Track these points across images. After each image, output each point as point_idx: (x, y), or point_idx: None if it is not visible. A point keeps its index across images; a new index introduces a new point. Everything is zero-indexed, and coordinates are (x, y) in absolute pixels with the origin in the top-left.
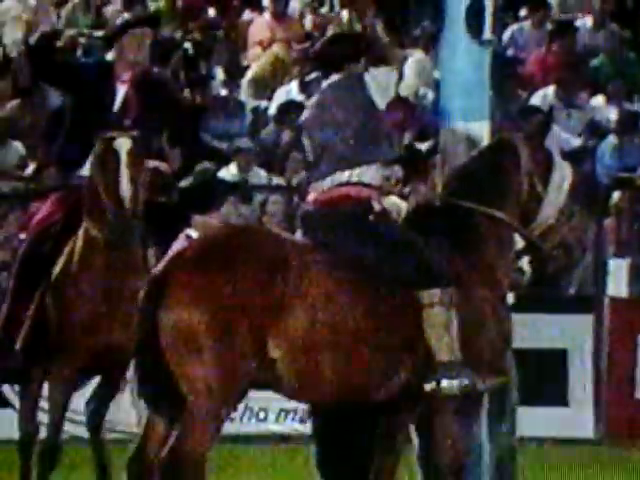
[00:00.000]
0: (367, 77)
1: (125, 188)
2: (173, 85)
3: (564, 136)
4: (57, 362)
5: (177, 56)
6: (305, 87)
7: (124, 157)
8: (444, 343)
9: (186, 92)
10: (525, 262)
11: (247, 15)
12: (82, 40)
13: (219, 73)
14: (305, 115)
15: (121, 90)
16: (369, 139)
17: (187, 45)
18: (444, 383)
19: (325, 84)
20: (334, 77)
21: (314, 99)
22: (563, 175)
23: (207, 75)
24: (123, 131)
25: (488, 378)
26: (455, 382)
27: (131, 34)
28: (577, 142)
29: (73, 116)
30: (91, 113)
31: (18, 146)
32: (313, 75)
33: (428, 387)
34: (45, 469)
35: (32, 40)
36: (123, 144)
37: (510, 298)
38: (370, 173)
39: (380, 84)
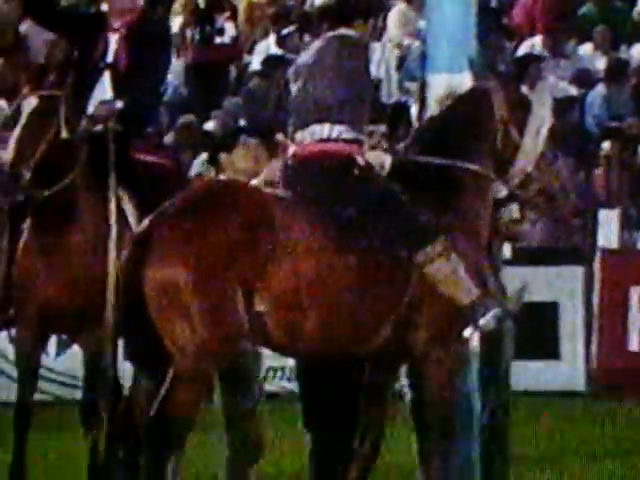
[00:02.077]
0: (372, 47)
1: (9, 150)
2: (165, 34)
3: (561, 85)
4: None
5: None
6: (283, 41)
7: (22, 119)
8: (460, 289)
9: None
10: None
11: None
12: None
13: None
14: (301, 58)
15: (112, 40)
16: (355, 102)
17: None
18: (481, 322)
19: (331, 34)
20: (342, 30)
21: (315, 44)
22: (541, 121)
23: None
24: (40, 89)
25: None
26: (489, 316)
27: None
28: (575, 91)
29: (76, 68)
30: (88, 65)
31: (3, 105)
32: (288, 30)
33: (468, 333)
34: (21, 430)
35: None
36: (27, 105)
37: (507, 251)
38: (352, 132)
39: (378, 59)
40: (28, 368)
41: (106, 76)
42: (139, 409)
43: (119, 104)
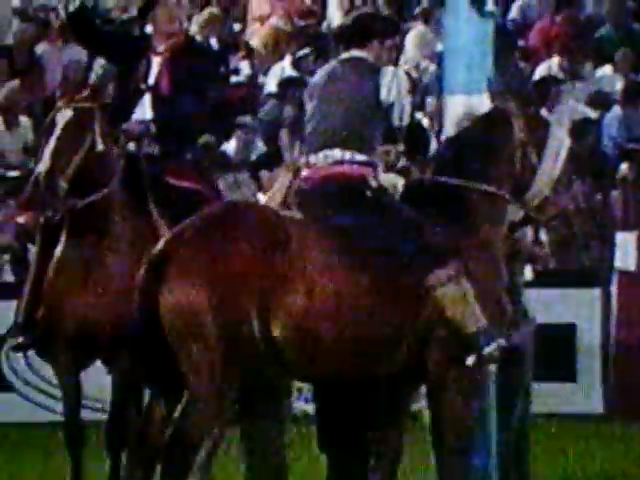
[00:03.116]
0: (383, 71)
1: (44, 161)
2: (208, 59)
3: (580, 108)
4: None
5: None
6: (298, 63)
7: (57, 129)
8: (468, 315)
9: None
10: (544, 234)
11: None
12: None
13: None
14: (315, 79)
15: (155, 62)
16: (367, 126)
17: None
18: (486, 350)
19: (344, 56)
20: (355, 53)
21: (328, 66)
22: (559, 144)
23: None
24: (77, 101)
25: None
26: (493, 345)
27: (163, 5)
28: (592, 113)
29: (118, 88)
30: (130, 85)
31: (27, 124)
32: (304, 52)
33: (470, 361)
34: (75, 448)
35: (71, 7)
36: (62, 117)
37: (528, 273)
38: (364, 155)
39: (389, 83)
40: (71, 388)
41: (147, 98)
42: (155, 430)
43: (153, 127)
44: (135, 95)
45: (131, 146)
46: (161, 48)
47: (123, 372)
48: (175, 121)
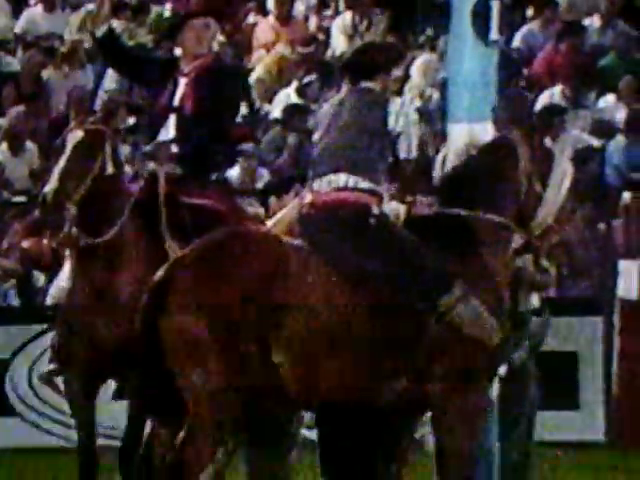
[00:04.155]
0: (391, 100)
1: (52, 181)
2: (234, 81)
3: (584, 137)
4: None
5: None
6: (303, 91)
7: (67, 150)
8: (485, 330)
9: None
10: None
11: (251, 18)
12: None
13: None
14: (322, 109)
15: (181, 83)
16: (373, 155)
17: None
18: (515, 357)
19: (352, 87)
20: (362, 84)
21: (336, 96)
22: (564, 174)
23: None
24: (89, 123)
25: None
26: (516, 355)
27: (190, 26)
28: (598, 143)
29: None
30: (155, 107)
31: (33, 149)
32: (309, 79)
33: (502, 371)
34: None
35: (99, 32)
36: (72, 137)
37: (535, 300)
38: (369, 183)
39: (396, 112)
40: (83, 415)
41: (172, 118)
42: (157, 457)
43: (175, 148)
44: (161, 116)
45: (152, 167)
46: (187, 69)
47: (135, 397)
48: (198, 141)
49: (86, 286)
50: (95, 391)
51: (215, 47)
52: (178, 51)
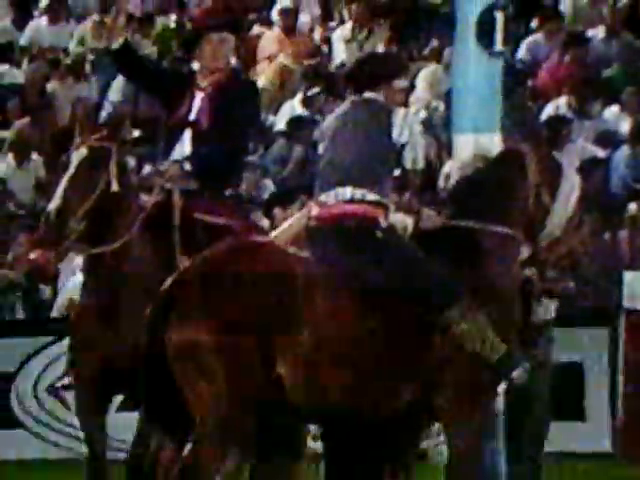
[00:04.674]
0: (395, 111)
1: (55, 199)
2: (252, 96)
3: (590, 147)
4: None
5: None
6: (308, 102)
7: (71, 168)
8: (488, 345)
9: None
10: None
11: (256, 29)
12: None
13: None
14: (327, 121)
15: (198, 97)
16: (379, 167)
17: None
18: (515, 375)
19: (356, 98)
20: (367, 95)
21: (341, 108)
22: (572, 186)
23: None
24: (94, 140)
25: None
26: (520, 370)
27: (207, 40)
28: (603, 153)
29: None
30: (171, 122)
31: (38, 161)
32: (314, 90)
33: (501, 388)
34: None
35: (115, 45)
36: (77, 155)
37: (552, 311)
38: (375, 195)
39: (401, 123)
40: (94, 430)
41: (187, 133)
42: (163, 471)
43: (188, 166)
44: (177, 131)
45: (167, 183)
46: (204, 84)
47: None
48: (213, 156)
49: (95, 300)
50: (106, 406)
51: (232, 61)
52: (195, 65)
